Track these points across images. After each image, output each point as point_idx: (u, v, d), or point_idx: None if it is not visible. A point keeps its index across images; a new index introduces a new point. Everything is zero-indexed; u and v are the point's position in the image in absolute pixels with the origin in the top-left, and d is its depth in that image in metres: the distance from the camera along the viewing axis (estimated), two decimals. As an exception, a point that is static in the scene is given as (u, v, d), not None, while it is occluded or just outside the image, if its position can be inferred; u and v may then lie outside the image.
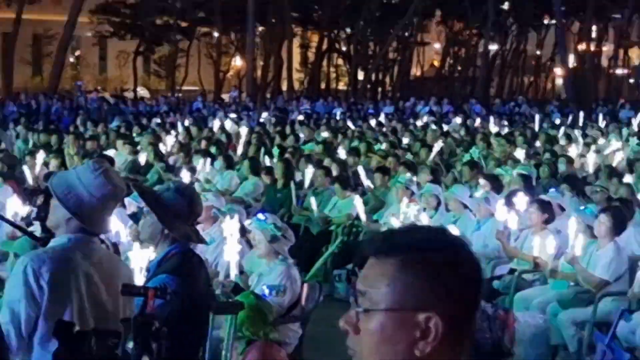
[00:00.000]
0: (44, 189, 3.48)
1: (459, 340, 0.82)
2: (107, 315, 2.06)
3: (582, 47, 32.42)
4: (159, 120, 14.93)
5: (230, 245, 3.60)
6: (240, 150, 10.14)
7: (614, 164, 8.69)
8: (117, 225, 3.73)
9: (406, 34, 32.99)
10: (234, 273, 3.57)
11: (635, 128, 14.31)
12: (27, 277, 1.94)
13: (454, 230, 3.78)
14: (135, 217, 3.66)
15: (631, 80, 38.93)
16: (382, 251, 0.83)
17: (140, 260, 2.80)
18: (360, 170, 7.67)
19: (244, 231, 4.07)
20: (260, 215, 3.89)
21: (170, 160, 9.39)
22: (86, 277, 2.02)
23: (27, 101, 20.85)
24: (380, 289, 0.80)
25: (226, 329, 3.21)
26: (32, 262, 1.97)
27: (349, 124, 14.99)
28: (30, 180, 7.20)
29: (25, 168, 7.62)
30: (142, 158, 9.06)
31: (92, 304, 2.02)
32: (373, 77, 32.82)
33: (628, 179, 7.10)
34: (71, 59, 32.99)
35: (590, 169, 8.76)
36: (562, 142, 11.33)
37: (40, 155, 7.76)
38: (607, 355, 3.99)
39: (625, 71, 38.56)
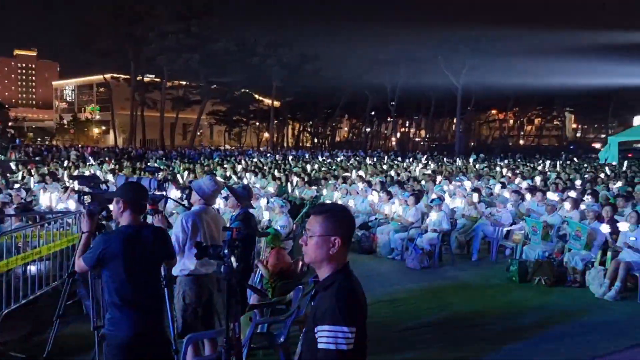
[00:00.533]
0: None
1: (347, 247, 2.02)
2: (215, 239, 4.15)
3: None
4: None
5: (264, 210, 9.03)
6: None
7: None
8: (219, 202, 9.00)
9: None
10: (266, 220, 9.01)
11: None
12: (181, 221, 4.09)
13: (352, 203, 9.78)
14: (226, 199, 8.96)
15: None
16: (316, 212, 2.06)
17: (227, 217, 8.04)
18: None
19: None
20: (277, 198, 9.34)
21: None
22: (207, 222, 4.19)
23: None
24: (315, 227, 1.99)
25: (263, 244, 7.44)
26: (184, 216, 4.18)
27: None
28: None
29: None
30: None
31: (210, 234, 4.16)
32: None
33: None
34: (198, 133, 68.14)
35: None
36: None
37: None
38: (412, 251, 9.90)
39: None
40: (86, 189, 3.72)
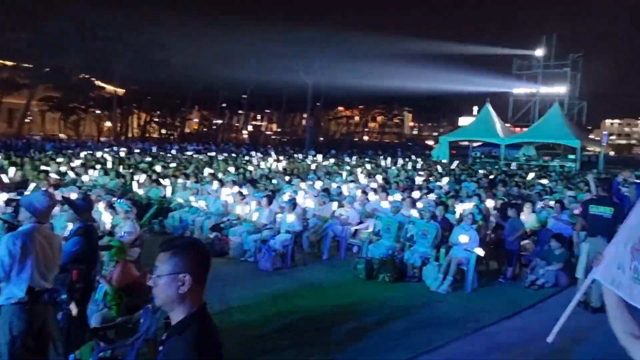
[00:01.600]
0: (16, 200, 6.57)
1: (202, 286, 1.88)
2: (51, 263, 3.81)
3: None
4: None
5: (104, 213, 8.36)
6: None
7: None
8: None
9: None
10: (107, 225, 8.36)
11: None
12: (7, 243, 3.61)
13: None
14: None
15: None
16: (163, 248, 1.87)
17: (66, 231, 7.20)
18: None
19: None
20: (121, 200, 8.67)
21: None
22: (40, 244, 3.75)
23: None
24: (162, 265, 1.83)
25: (107, 257, 6.23)
26: (11, 237, 3.68)
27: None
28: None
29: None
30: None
31: (44, 257, 3.75)
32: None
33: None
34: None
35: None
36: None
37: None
38: (265, 253, 9.92)
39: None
40: None
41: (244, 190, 11.65)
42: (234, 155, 32.02)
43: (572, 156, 40.07)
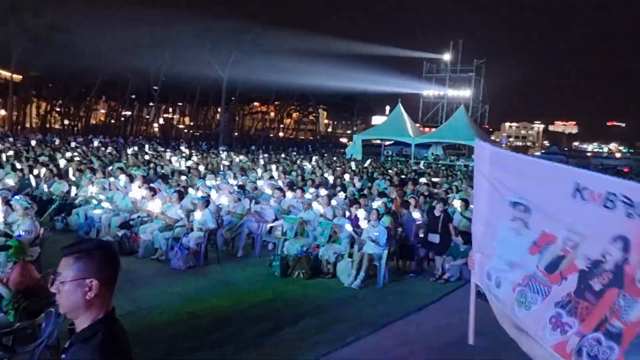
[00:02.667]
0: None
1: (110, 291, 1.76)
2: None
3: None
4: None
5: None
6: None
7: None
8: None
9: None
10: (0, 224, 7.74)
11: None
12: None
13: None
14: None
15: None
16: (66, 253, 1.76)
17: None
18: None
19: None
20: (19, 197, 8.00)
21: None
22: None
23: None
24: (66, 271, 1.71)
25: (3, 257, 5.83)
26: None
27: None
28: None
29: None
30: None
31: None
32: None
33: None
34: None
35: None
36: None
37: None
38: (177, 251, 9.66)
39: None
40: None
41: (155, 185, 11.23)
42: (144, 149, 30.75)
43: (475, 156, 42.51)
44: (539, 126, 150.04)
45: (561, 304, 2.02)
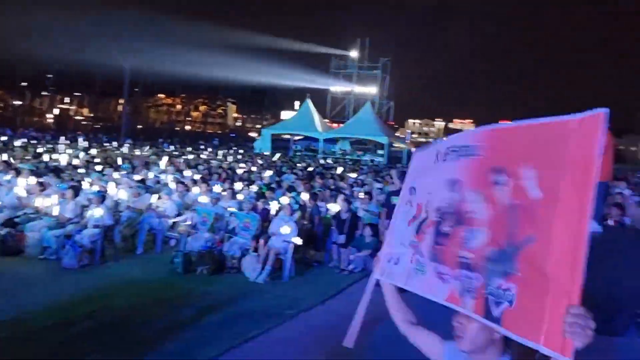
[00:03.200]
0: None
1: None
2: None
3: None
4: None
5: None
6: None
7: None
8: None
9: None
10: None
11: None
12: None
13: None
14: None
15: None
16: None
17: None
18: None
19: None
20: None
21: None
22: None
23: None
24: None
25: None
26: None
27: None
28: None
29: None
30: None
31: None
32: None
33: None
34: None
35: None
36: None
37: None
38: (70, 249, 9.03)
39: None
40: None
41: (44, 181, 10.42)
42: (34, 141, 28.53)
43: (381, 151, 44.01)
44: (440, 123, 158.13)
45: (431, 257, 2.17)
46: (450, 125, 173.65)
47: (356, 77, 59.53)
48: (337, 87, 60.63)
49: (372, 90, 58.72)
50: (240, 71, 53.54)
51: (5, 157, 16.37)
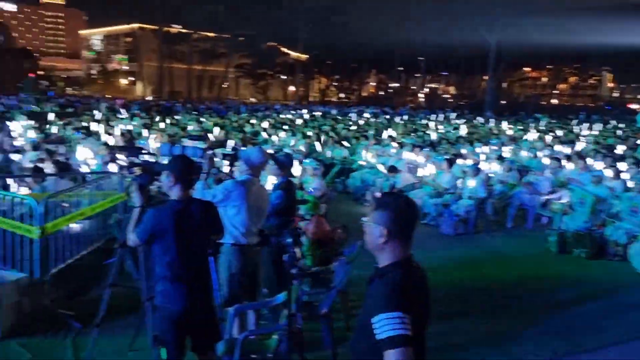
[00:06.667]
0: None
1: (401, 242, 1.98)
2: (262, 212, 4.30)
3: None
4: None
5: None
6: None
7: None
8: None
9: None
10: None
11: None
12: (226, 185, 4.14)
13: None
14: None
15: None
16: (376, 202, 2.08)
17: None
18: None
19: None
20: (309, 159, 9.13)
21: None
22: (254, 194, 4.18)
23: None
24: (370, 214, 2.02)
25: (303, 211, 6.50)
26: (229, 184, 4.16)
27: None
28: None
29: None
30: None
31: (256, 206, 4.18)
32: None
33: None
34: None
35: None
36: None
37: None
38: (447, 217, 9.71)
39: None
40: (136, 161, 3.66)
41: (424, 153, 11.51)
42: (412, 118, 31.79)
43: None
44: None
45: None
46: None
47: None
48: None
49: None
50: (616, 34, 46.40)
51: (390, 131, 18.81)
